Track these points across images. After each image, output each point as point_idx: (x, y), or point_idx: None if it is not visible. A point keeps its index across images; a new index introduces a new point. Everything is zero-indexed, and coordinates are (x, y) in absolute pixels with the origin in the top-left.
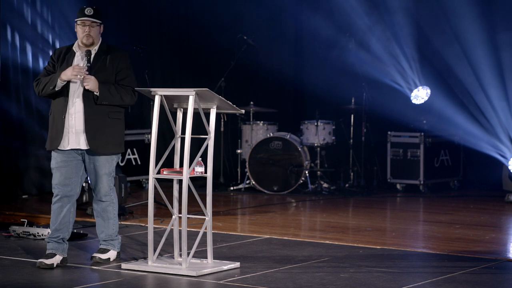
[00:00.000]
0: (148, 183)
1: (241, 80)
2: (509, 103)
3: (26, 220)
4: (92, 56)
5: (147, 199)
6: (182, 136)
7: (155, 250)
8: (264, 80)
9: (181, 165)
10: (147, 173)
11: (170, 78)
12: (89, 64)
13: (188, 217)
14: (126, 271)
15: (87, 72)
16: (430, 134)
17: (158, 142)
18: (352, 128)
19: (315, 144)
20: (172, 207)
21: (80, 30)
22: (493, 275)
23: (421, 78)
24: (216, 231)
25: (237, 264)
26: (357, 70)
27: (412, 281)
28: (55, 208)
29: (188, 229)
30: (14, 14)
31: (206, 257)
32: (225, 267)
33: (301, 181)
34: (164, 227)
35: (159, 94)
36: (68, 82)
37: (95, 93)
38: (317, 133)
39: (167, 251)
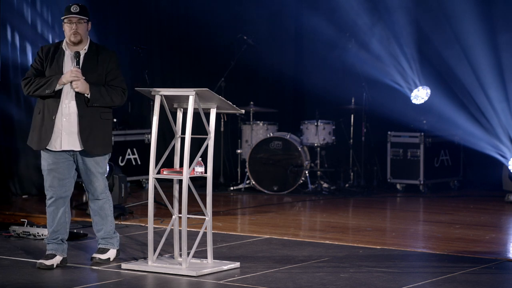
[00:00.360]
0: (148, 183)
1: (241, 80)
2: (509, 103)
3: (26, 220)
4: (82, 56)
5: (147, 199)
6: (182, 136)
7: (155, 250)
8: (264, 80)
9: (181, 165)
10: (147, 173)
11: (170, 78)
12: (78, 66)
13: (188, 217)
14: (126, 271)
15: (83, 77)
16: (430, 134)
17: (158, 142)
18: (352, 128)
19: (315, 144)
20: (172, 207)
21: (67, 28)
22: (493, 275)
23: (421, 78)
24: (216, 231)
25: (237, 264)
26: (357, 70)
27: (412, 281)
28: (50, 210)
29: (188, 229)
30: (14, 14)
31: (206, 257)
32: (225, 267)
33: (301, 181)
34: (164, 227)
35: (159, 94)
36: None
37: (86, 95)
38: (317, 133)
39: (167, 251)
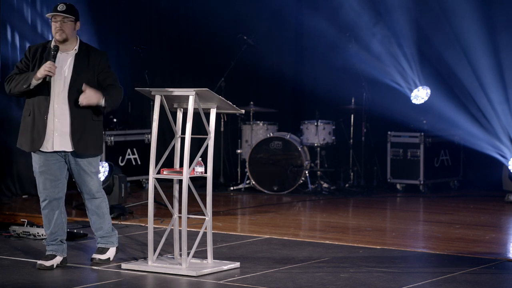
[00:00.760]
0: (148, 183)
1: (241, 80)
2: (509, 103)
3: (26, 220)
4: (73, 57)
5: (147, 199)
6: (182, 136)
7: (155, 250)
8: (264, 80)
9: (181, 165)
10: (147, 173)
11: (170, 78)
12: (53, 60)
13: (188, 217)
14: (126, 271)
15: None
16: (430, 134)
17: (158, 142)
18: (352, 128)
19: (315, 144)
20: (172, 207)
21: (52, 26)
22: (493, 275)
23: (421, 78)
24: (216, 231)
25: (237, 264)
26: (357, 70)
27: (412, 281)
28: (45, 213)
29: (188, 229)
30: (14, 14)
31: (206, 257)
32: (225, 267)
33: (301, 181)
34: (164, 227)
35: (159, 94)
36: (49, 82)
37: (101, 103)
38: (317, 133)
39: (167, 251)
